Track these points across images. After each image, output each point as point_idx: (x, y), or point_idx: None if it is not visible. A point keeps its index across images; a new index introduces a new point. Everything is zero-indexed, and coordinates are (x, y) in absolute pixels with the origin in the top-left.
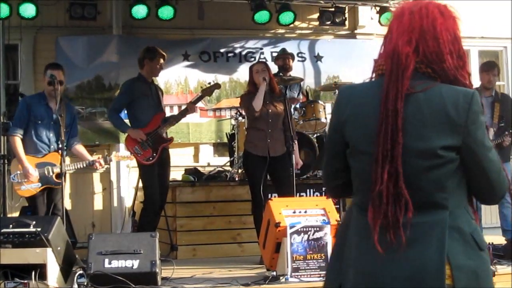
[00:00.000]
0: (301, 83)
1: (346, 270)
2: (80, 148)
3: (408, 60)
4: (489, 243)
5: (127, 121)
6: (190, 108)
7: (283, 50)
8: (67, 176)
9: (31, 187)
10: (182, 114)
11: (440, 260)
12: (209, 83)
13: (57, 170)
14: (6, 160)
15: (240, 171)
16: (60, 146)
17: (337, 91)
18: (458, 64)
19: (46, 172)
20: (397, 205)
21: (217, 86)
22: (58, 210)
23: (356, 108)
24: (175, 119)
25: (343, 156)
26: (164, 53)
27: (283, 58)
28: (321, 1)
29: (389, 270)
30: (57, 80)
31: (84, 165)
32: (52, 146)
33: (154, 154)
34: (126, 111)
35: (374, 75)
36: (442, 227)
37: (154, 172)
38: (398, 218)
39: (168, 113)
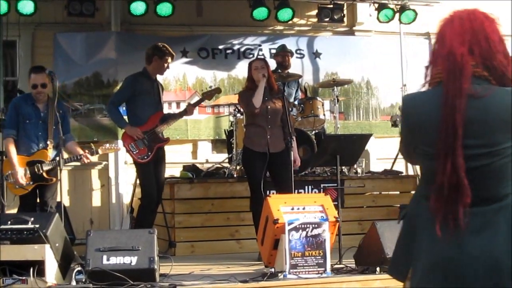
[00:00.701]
0: (300, 79)
1: (417, 256)
2: (73, 145)
3: (464, 60)
4: None
5: (126, 116)
6: (189, 110)
7: (283, 46)
8: (65, 172)
9: (23, 185)
10: (180, 115)
11: (510, 241)
12: (210, 86)
13: (46, 167)
14: (4, 157)
15: (238, 167)
16: (48, 144)
17: (335, 89)
18: (505, 62)
19: (36, 170)
20: (458, 194)
21: (217, 90)
22: (48, 207)
23: (420, 116)
24: (173, 119)
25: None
26: (173, 53)
27: (282, 55)
28: None
29: (464, 255)
30: (52, 79)
31: (72, 159)
32: (40, 145)
33: (149, 153)
34: (125, 106)
35: (428, 81)
36: (509, 211)
37: (150, 170)
38: (458, 207)
39: (166, 109)
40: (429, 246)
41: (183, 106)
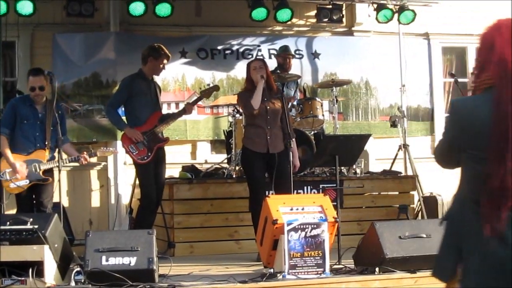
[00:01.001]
0: (299, 80)
1: (468, 258)
2: (68, 146)
3: None
4: None
5: (124, 118)
6: (187, 109)
7: (285, 48)
8: (64, 173)
9: (20, 184)
10: (179, 114)
11: None
12: (208, 84)
13: (43, 166)
14: None
15: (237, 168)
16: (46, 144)
17: (334, 89)
18: None
19: (33, 169)
20: (504, 198)
21: (215, 88)
22: (44, 208)
23: (471, 120)
24: (172, 118)
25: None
26: (169, 54)
27: (283, 57)
28: None
29: None
30: (49, 82)
31: (70, 160)
32: (38, 145)
33: (149, 154)
34: (123, 108)
35: (477, 87)
36: None
37: (150, 170)
38: (503, 210)
39: (165, 110)
40: (480, 248)
41: (182, 106)
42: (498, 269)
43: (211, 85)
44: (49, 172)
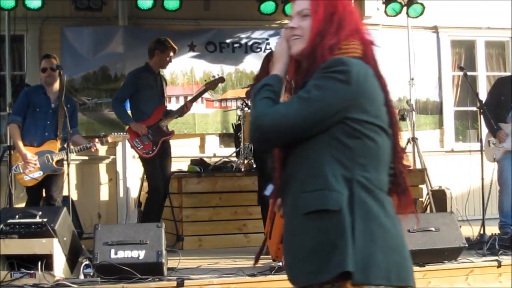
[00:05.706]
0: None
1: None
2: (78, 138)
3: None
4: (493, 234)
5: (129, 111)
6: (187, 106)
7: None
8: (73, 166)
9: (33, 176)
10: (179, 111)
11: None
12: (214, 76)
13: (56, 157)
14: (12, 151)
15: (246, 161)
16: (58, 134)
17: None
18: None
19: (46, 160)
20: None
21: (221, 80)
22: (54, 201)
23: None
24: (176, 113)
25: None
26: (175, 47)
27: None
28: None
29: None
30: (55, 66)
31: (81, 149)
32: (46, 134)
33: (154, 148)
34: (129, 102)
35: None
36: None
37: (156, 164)
38: None
39: (174, 103)
40: None
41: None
42: None
43: (216, 76)
44: (60, 163)
